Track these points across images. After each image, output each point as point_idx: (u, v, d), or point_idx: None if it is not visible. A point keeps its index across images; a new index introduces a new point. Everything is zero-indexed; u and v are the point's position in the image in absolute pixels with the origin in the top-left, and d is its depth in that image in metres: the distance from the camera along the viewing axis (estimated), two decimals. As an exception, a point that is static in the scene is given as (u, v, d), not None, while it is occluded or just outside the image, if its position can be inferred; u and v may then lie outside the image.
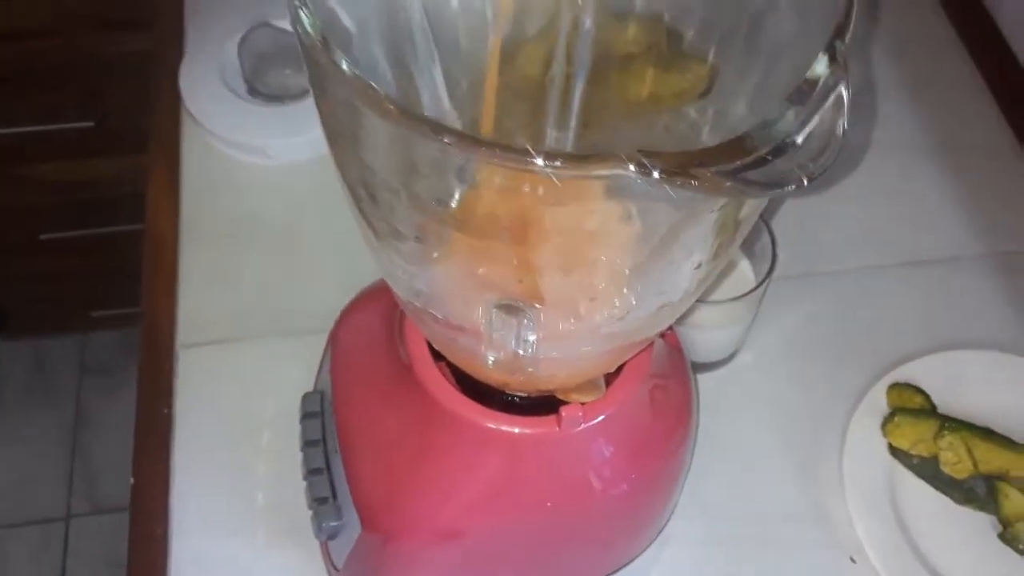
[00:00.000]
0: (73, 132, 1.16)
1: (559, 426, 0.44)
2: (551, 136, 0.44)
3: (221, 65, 0.74)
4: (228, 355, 0.64)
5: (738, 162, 0.26)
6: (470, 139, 0.26)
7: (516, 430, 0.44)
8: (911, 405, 0.62)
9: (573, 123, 0.45)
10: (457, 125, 0.43)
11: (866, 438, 0.62)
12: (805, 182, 0.25)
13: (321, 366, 0.57)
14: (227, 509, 0.59)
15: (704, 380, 0.64)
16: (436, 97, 0.42)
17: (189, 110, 0.72)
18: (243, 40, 0.74)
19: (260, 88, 0.73)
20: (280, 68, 0.73)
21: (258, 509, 0.59)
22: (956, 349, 0.66)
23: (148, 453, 0.60)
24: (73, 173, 1.22)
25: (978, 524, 0.60)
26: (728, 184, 0.25)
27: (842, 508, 0.60)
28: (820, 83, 0.28)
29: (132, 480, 0.60)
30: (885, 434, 0.61)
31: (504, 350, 0.36)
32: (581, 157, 0.25)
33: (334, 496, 0.52)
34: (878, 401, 0.63)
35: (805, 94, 0.28)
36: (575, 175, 0.25)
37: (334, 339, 0.54)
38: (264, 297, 0.66)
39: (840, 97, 0.27)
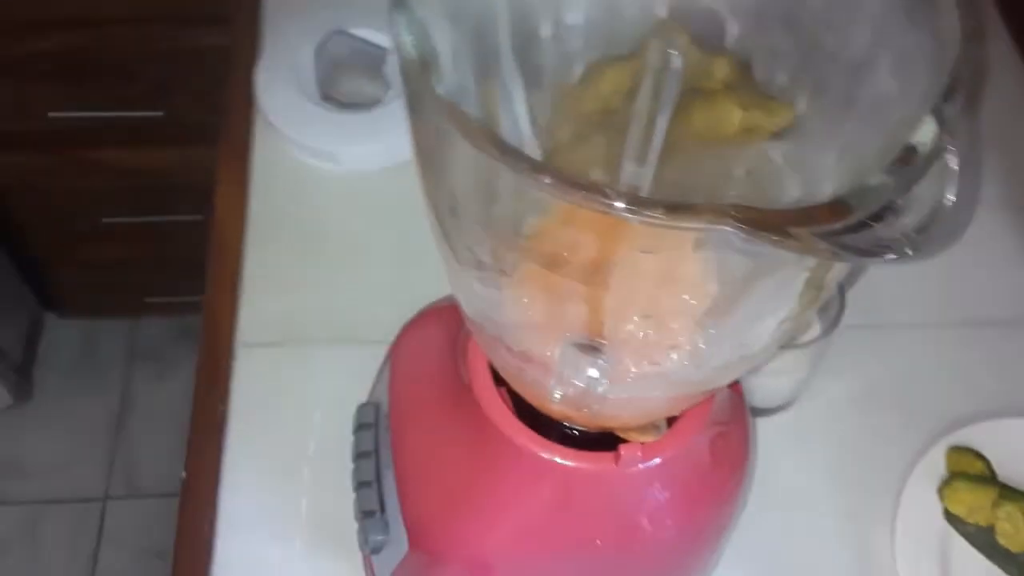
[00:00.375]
0: (142, 120, 1.18)
1: (616, 463, 0.43)
2: (628, 170, 0.44)
3: (296, 69, 0.74)
4: (286, 358, 0.65)
5: (838, 224, 0.25)
6: (568, 181, 0.25)
7: (573, 464, 0.43)
8: (971, 471, 0.60)
9: (653, 158, 0.44)
10: (537, 153, 0.43)
11: (921, 500, 0.60)
12: (909, 252, 0.25)
13: (378, 378, 0.57)
14: (274, 512, 0.59)
15: (761, 425, 0.63)
16: (516, 123, 0.42)
17: (263, 110, 0.73)
18: (320, 46, 0.74)
19: (333, 95, 0.74)
20: (355, 76, 0.74)
21: (304, 514, 0.59)
22: (1022, 416, 0.64)
23: (201, 449, 0.61)
24: (139, 160, 1.24)
25: (1031, 599, 0.58)
26: (825, 248, 0.25)
27: (890, 570, 0.58)
28: (925, 150, 0.27)
29: (184, 474, 0.60)
30: (941, 498, 0.60)
31: (572, 387, 0.35)
32: (678, 208, 0.24)
33: (382, 510, 0.51)
34: (937, 463, 0.61)
35: (908, 160, 0.27)
36: (671, 226, 0.25)
37: (395, 353, 0.54)
38: (326, 304, 0.67)
39: (947, 166, 0.27)
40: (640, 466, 0.43)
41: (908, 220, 0.26)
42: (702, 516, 0.48)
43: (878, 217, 0.25)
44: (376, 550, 0.52)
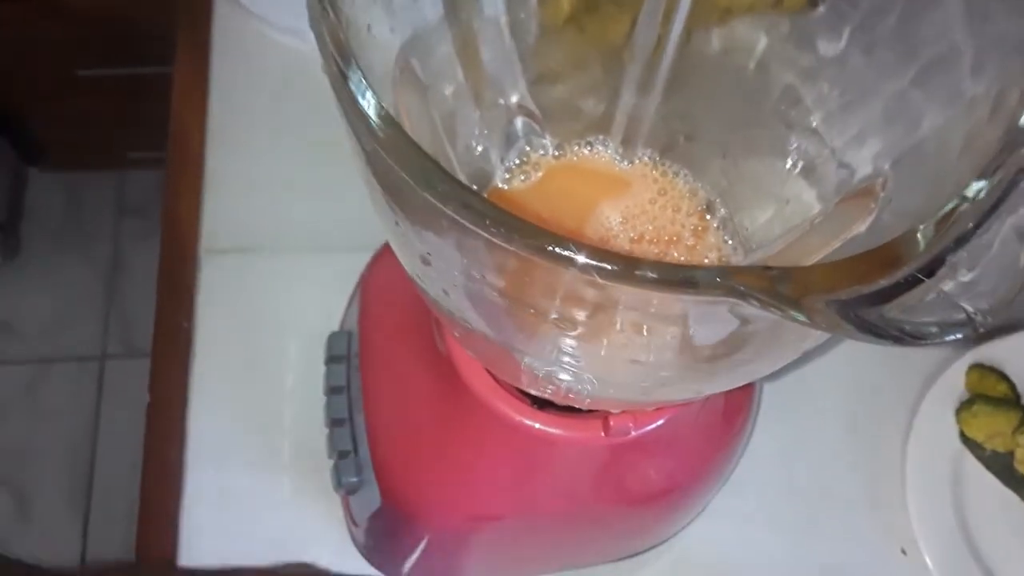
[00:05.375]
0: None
1: (605, 433, 0.39)
2: (626, 102, 0.37)
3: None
4: (254, 266, 0.59)
5: (883, 281, 0.19)
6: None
7: (556, 431, 0.39)
8: (993, 393, 0.56)
9: (659, 85, 0.37)
10: (522, 83, 0.36)
11: (937, 422, 0.56)
12: (979, 321, 0.19)
13: (349, 306, 0.52)
14: (246, 438, 0.55)
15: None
16: (499, 49, 0.35)
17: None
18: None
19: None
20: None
21: (278, 438, 0.55)
22: (1054, 330, 0.59)
23: (165, 370, 0.57)
24: (108, 6, 1.14)
25: (1046, 529, 0.55)
26: (849, 328, 0.19)
27: (899, 495, 0.55)
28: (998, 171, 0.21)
29: (148, 397, 0.56)
30: (959, 421, 0.56)
31: (549, 388, 0.31)
32: (674, 280, 0.18)
33: (355, 451, 0.48)
34: (955, 382, 0.57)
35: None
36: (665, 294, 0.19)
37: (364, 287, 0.49)
38: (299, 205, 0.61)
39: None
40: (633, 434, 0.39)
41: (965, 278, 0.20)
42: (701, 471, 0.44)
43: (929, 271, 0.20)
44: (350, 492, 0.48)
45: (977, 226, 0.20)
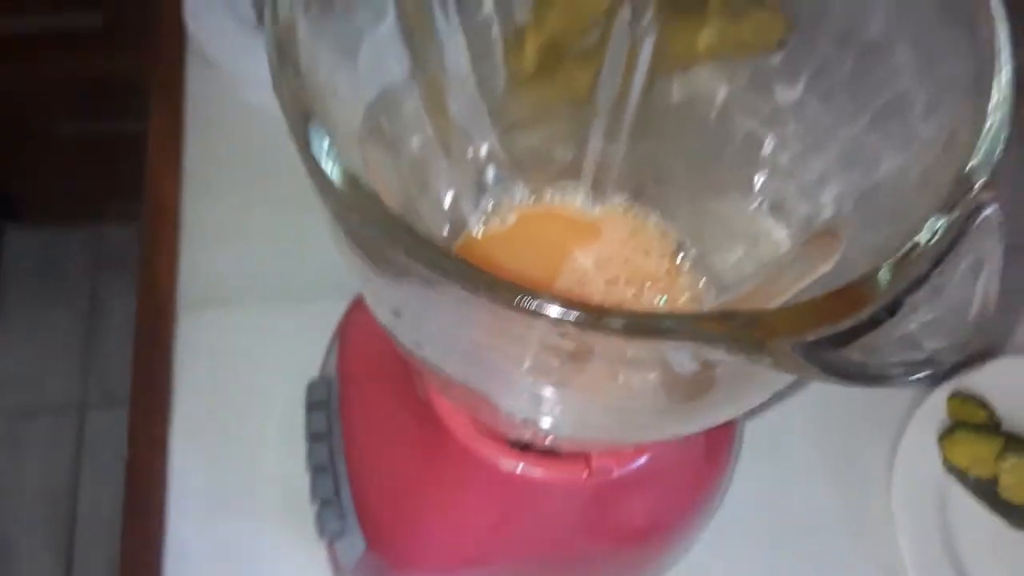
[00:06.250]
0: (79, 27, 1.09)
1: (588, 474, 0.39)
2: (595, 148, 0.38)
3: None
4: (233, 317, 0.59)
5: (841, 324, 0.20)
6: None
7: (538, 473, 0.39)
8: (974, 419, 0.57)
9: (625, 131, 0.38)
10: (492, 133, 0.37)
11: (920, 449, 0.57)
12: (939, 360, 0.20)
13: (328, 353, 0.52)
14: (228, 487, 0.55)
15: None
16: (466, 102, 0.36)
17: (194, 40, 0.64)
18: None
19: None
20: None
21: (261, 486, 0.55)
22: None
23: (145, 424, 0.56)
24: (84, 68, 1.15)
25: (1033, 552, 0.55)
26: (814, 370, 0.19)
27: (886, 522, 0.55)
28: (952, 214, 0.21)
29: (127, 450, 0.56)
30: (942, 448, 0.56)
31: (528, 435, 0.31)
32: (642, 328, 0.19)
33: (338, 496, 0.48)
34: (937, 409, 0.58)
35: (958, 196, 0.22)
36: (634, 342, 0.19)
37: (343, 334, 0.49)
38: (274, 256, 0.61)
39: (986, 230, 0.21)
40: (615, 474, 0.39)
41: (924, 316, 0.20)
42: (686, 508, 0.45)
43: (889, 312, 0.20)
44: (334, 538, 0.48)
45: (933, 267, 0.21)
